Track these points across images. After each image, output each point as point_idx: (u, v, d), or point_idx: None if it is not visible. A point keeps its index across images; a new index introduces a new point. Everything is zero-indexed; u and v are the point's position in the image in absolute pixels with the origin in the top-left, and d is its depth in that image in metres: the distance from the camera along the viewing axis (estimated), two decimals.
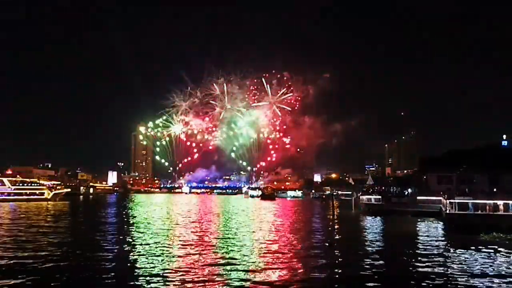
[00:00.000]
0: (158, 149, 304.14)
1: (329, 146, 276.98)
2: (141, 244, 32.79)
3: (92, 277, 21.74)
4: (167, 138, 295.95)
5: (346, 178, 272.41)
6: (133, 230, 44.52)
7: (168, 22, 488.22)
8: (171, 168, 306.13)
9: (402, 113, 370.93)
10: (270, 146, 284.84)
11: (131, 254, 28.66)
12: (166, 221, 54.92)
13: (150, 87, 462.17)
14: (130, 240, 35.84)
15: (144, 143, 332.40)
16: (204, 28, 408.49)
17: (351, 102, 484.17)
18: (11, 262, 24.99)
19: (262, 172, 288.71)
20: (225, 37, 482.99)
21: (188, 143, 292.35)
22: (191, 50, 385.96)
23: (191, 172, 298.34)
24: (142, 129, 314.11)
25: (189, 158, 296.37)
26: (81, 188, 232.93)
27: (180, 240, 35.63)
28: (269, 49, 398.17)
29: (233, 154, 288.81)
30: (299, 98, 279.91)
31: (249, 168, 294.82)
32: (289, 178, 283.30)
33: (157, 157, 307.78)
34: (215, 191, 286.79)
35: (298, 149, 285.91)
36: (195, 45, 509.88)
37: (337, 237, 41.88)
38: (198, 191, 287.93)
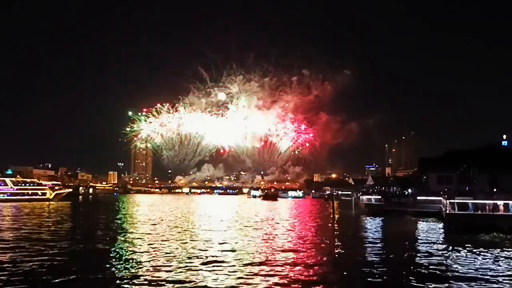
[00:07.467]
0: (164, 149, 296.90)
1: (344, 146, 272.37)
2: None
3: None
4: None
5: (346, 178, 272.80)
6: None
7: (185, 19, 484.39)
8: (170, 170, 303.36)
9: (402, 114, 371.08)
10: (281, 144, 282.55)
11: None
12: None
13: (162, 85, 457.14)
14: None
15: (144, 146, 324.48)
16: (224, 27, 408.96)
17: (369, 101, 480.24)
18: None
19: (270, 168, 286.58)
20: (245, 36, 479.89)
21: (196, 142, 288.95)
22: (210, 48, 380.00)
23: (191, 172, 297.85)
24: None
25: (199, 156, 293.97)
26: (80, 188, 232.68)
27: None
28: (288, 47, 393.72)
29: (242, 153, 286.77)
30: (318, 96, 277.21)
31: (250, 160, 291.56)
32: (289, 178, 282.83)
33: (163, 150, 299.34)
34: (215, 191, 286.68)
35: (316, 148, 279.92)
36: (214, 42, 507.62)
37: (337, 236, 41.95)
38: (198, 191, 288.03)
